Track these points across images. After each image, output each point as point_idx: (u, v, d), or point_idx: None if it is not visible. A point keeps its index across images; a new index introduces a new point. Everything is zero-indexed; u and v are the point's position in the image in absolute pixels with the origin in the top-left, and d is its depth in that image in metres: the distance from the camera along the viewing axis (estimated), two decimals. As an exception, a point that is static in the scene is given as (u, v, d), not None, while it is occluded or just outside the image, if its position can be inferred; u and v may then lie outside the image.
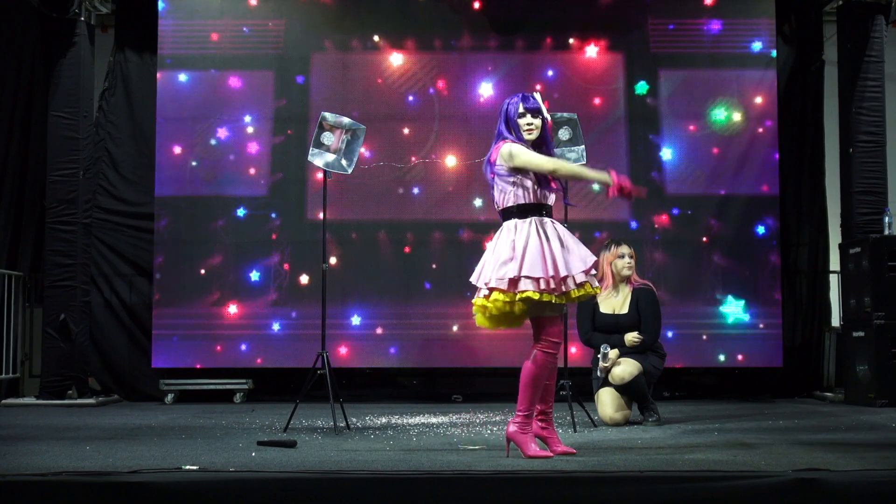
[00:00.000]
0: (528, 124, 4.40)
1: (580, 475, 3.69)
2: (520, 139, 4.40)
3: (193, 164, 7.97)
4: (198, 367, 7.83)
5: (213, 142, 7.99)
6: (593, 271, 4.41)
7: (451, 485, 3.53)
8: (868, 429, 5.57)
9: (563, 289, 4.25)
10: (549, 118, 4.54)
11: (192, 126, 8.00)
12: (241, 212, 7.95)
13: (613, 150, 7.97)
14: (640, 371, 5.80)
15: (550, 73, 8.05)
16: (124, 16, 8.19)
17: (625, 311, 5.97)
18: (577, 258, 4.31)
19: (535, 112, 4.42)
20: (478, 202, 7.87)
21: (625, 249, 6.01)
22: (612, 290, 6.05)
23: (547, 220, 4.37)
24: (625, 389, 5.83)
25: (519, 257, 4.25)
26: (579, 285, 4.28)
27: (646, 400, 5.84)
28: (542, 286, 4.22)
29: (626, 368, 5.77)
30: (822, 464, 3.81)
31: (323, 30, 8.09)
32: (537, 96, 4.50)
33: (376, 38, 8.06)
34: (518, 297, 4.23)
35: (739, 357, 7.86)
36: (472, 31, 8.09)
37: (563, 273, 4.24)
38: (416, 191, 7.95)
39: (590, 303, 6.05)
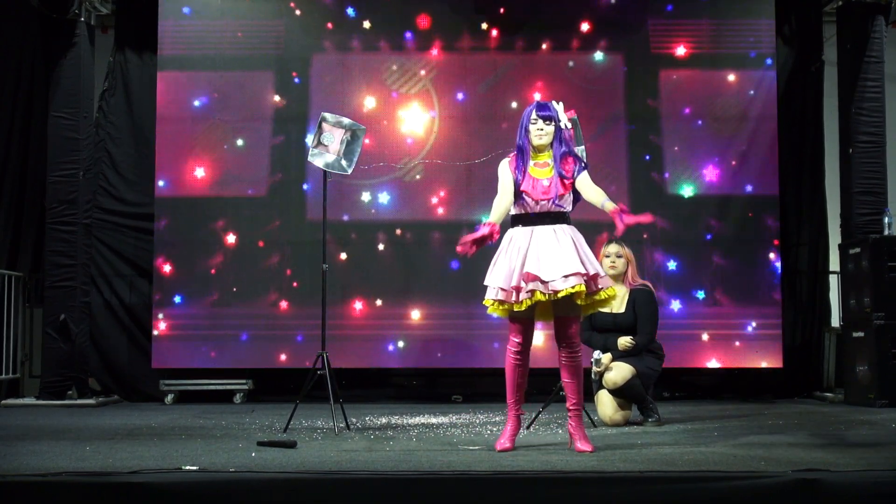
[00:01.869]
0: (538, 129, 4.64)
1: (580, 475, 3.69)
2: (529, 143, 4.67)
3: (193, 164, 7.97)
4: (198, 367, 7.83)
5: (213, 142, 7.98)
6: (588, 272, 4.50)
7: (451, 485, 3.53)
8: (868, 429, 5.56)
9: (514, 299, 4.51)
10: (567, 126, 4.71)
11: (192, 126, 8.00)
12: (241, 212, 7.95)
13: (613, 150, 7.97)
14: (633, 374, 5.79)
15: (550, 73, 8.05)
16: (124, 16, 8.19)
17: (622, 310, 5.97)
18: (547, 266, 4.45)
19: (547, 118, 4.64)
20: (478, 202, 7.87)
21: (611, 249, 6.01)
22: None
23: (530, 228, 4.57)
24: (620, 393, 5.83)
25: (491, 267, 4.65)
26: (530, 293, 4.47)
27: (644, 401, 5.84)
28: (492, 295, 4.59)
29: (618, 373, 5.78)
30: (822, 464, 3.82)
31: (323, 30, 8.10)
32: (557, 105, 4.73)
33: (376, 38, 8.07)
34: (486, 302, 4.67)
35: (739, 357, 7.85)
36: (471, 31, 8.10)
37: (513, 284, 4.51)
38: (415, 191, 7.95)
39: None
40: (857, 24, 7.71)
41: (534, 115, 4.65)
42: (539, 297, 4.46)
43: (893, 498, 3.41)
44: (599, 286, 4.55)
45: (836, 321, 8.00)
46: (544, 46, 8.08)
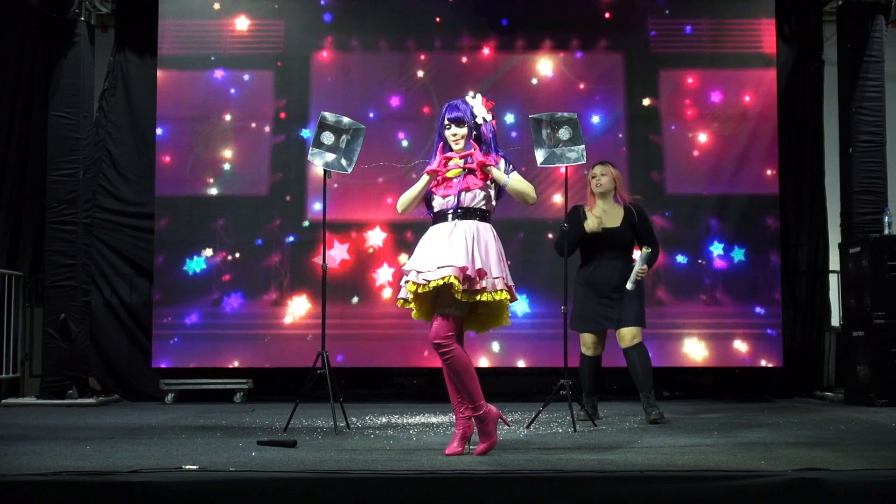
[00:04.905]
0: (452, 135, 4.60)
1: (580, 475, 3.68)
2: (450, 149, 4.61)
3: (193, 163, 7.97)
4: (198, 366, 7.83)
5: (212, 141, 7.99)
6: (439, 274, 4.33)
7: (451, 485, 3.53)
8: (868, 429, 5.57)
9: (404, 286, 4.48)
10: (486, 119, 4.63)
11: (192, 126, 8.00)
12: (241, 212, 7.95)
13: (613, 150, 7.97)
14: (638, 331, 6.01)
15: (550, 73, 8.05)
16: (124, 16, 8.20)
17: (616, 224, 6.08)
18: (426, 259, 4.40)
19: (457, 121, 4.56)
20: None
21: (596, 170, 6.21)
22: (599, 208, 6.15)
23: (439, 224, 4.51)
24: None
25: None
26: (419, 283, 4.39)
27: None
28: (402, 294, 4.52)
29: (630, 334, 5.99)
30: (822, 464, 3.82)
31: (323, 30, 8.10)
32: (472, 101, 4.65)
33: (376, 38, 8.07)
34: None
35: (739, 357, 7.86)
36: (472, 31, 8.10)
37: (408, 268, 4.47)
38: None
39: (578, 220, 6.08)
40: (857, 24, 7.71)
41: (446, 121, 4.58)
42: (411, 288, 4.37)
43: (893, 498, 3.41)
44: (483, 286, 4.35)
45: (836, 321, 8.00)
46: (544, 46, 8.08)
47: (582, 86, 8.04)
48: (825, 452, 4.40)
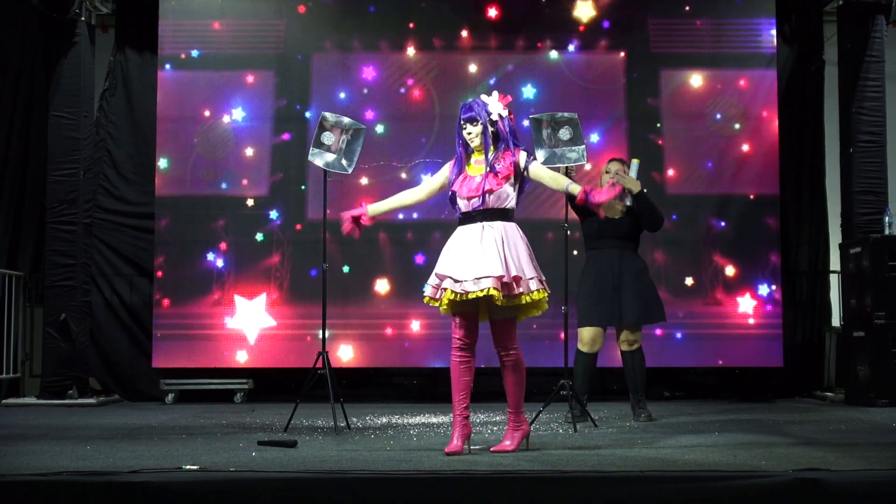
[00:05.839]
0: (467, 133, 4.64)
1: (580, 475, 3.68)
2: (464, 147, 4.66)
3: (193, 163, 7.98)
4: (198, 366, 7.83)
5: (213, 142, 7.99)
6: (482, 284, 4.41)
7: (451, 485, 3.53)
8: (868, 429, 5.57)
9: (438, 296, 4.52)
10: (501, 115, 4.65)
11: (192, 126, 8.00)
12: (241, 212, 7.95)
13: (613, 150, 7.97)
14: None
15: (550, 72, 8.05)
16: (124, 16, 8.20)
17: (617, 216, 6.15)
18: (462, 266, 4.44)
19: (471, 120, 4.61)
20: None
21: (612, 166, 6.27)
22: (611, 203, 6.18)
23: (464, 227, 4.56)
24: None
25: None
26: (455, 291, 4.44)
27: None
28: (426, 291, 4.59)
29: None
30: (822, 464, 3.82)
31: (323, 30, 8.10)
32: (487, 98, 4.68)
33: (376, 38, 8.07)
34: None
35: (740, 357, 7.85)
36: (472, 31, 8.10)
37: (437, 282, 4.52)
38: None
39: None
40: (858, 24, 7.71)
41: (461, 122, 4.63)
42: (449, 295, 4.43)
43: (893, 498, 3.41)
44: (520, 290, 4.44)
45: (836, 321, 8.00)
46: (544, 45, 8.08)
47: (582, 86, 8.03)
48: (825, 452, 4.39)
